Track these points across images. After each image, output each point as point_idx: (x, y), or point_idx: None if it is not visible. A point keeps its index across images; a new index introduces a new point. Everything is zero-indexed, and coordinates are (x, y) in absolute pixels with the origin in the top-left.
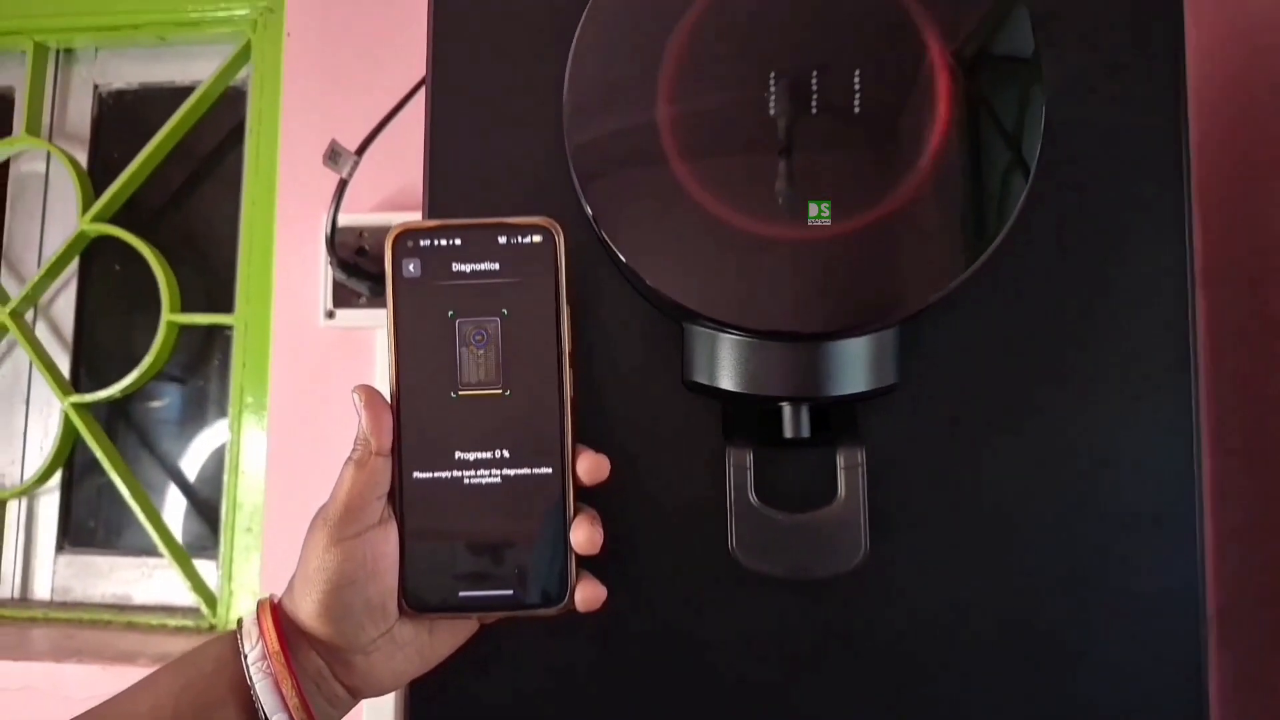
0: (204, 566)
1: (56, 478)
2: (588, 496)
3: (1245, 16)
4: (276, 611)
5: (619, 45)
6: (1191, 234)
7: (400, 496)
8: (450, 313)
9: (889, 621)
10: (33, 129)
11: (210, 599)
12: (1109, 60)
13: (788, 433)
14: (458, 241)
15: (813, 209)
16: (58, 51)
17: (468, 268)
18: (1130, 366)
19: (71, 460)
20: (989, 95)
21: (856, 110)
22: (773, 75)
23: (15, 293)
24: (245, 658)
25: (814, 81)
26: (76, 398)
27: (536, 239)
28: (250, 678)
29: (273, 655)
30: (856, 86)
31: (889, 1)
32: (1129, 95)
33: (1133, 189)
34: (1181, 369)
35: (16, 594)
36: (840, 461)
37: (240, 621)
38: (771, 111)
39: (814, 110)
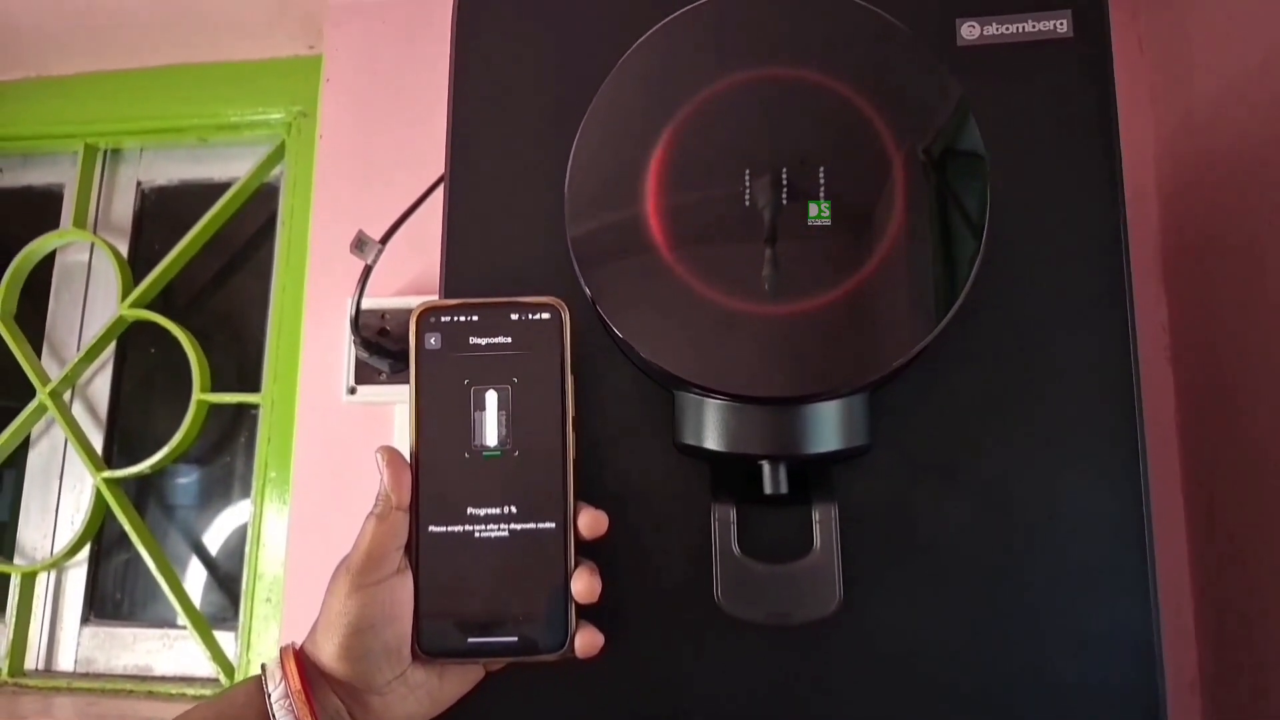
0: (224, 638)
1: (85, 551)
2: (587, 549)
3: (1202, 108)
4: (299, 655)
5: (612, 147)
6: (1132, 304)
7: (416, 548)
8: (466, 381)
9: (863, 665)
10: (79, 222)
11: (229, 668)
12: (1049, 154)
13: (767, 489)
14: (475, 318)
15: (813, 209)
16: (106, 152)
17: (483, 341)
18: (1076, 426)
19: (100, 535)
20: (940, 186)
21: (821, 199)
22: (748, 172)
23: (55, 374)
24: (269, 696)
25: (784, 177)
26: (109, 473)
27: (545, 316)
28: (273, 714)
29: (295, 694)
30: (822, 180)
31: (850, 107)
32: (1069, 182)
33: (1075, 265)
34: (1127, 429)
35: (41, 665)
36: (815, 516)
37: (264, 666)
38: (748, 203)
39: (784, 201)
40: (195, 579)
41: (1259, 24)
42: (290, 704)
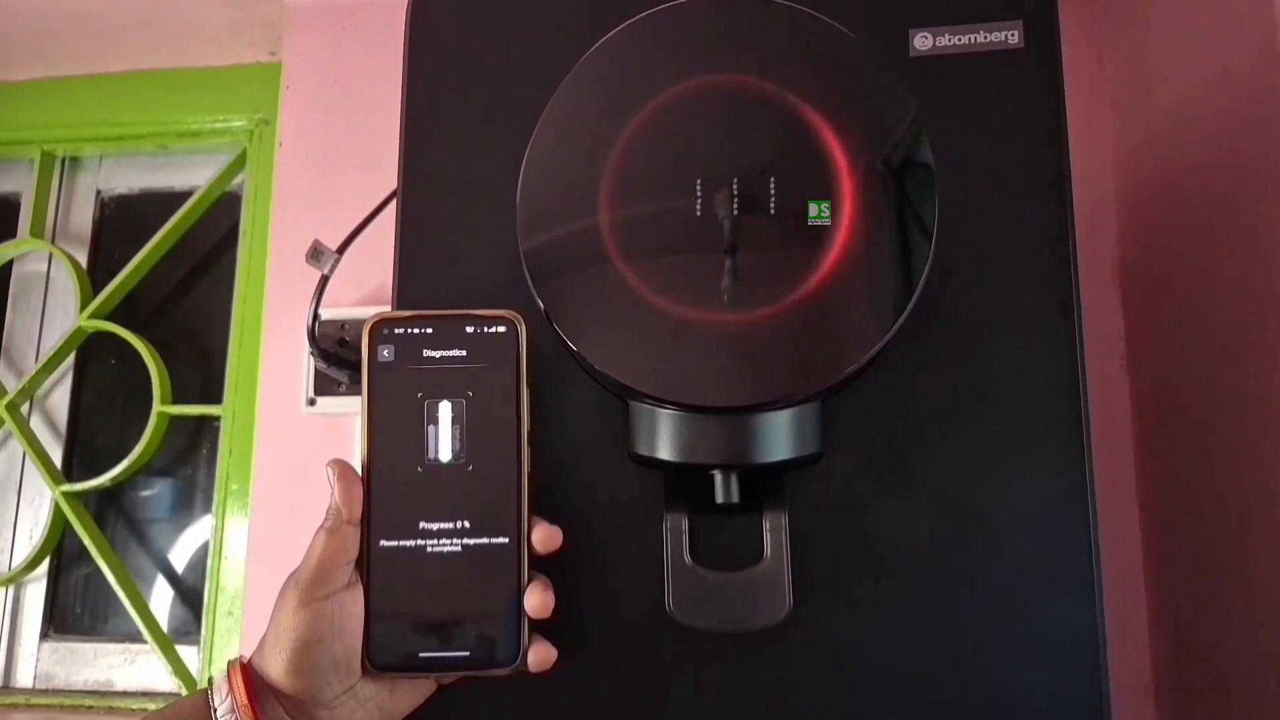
0: (188, 652)
1: (45, 565)
2: (542, 564)
3: (1160, 122)
4: (246, 669)
5: (563, 159)
6: (1080, 312)
7: (367, 562)
8: (420, 394)
9: (816, 672)
10: (37, 231)
11: (191, 683)
12: (1000, 163)
13: (719, 498)
14: (429, 330)
15: (813, 209)
16: (64, 159)
17: (437, 354)
18: (1025, 433)
19: (60, 549)
20: (890, 195)
21: (772, 211)
22: (699, 182)
23: (13, 386)
24: (215, 710)
25: (735, 186)
26: (67, 486)
27: (500, 329)
28: None
29: (241, 708)
30: (772, 191)
31: (802, 117)
32: (1020, 191)
33: (1025, 272)
34: (1075, 435)
35: (0, 681)
36: (766, 524)
37: (211, 679)
38: (699, 213)
39: (736, 211)
40: (160, 593)
41: (1214, 40)
42: (237, 718)
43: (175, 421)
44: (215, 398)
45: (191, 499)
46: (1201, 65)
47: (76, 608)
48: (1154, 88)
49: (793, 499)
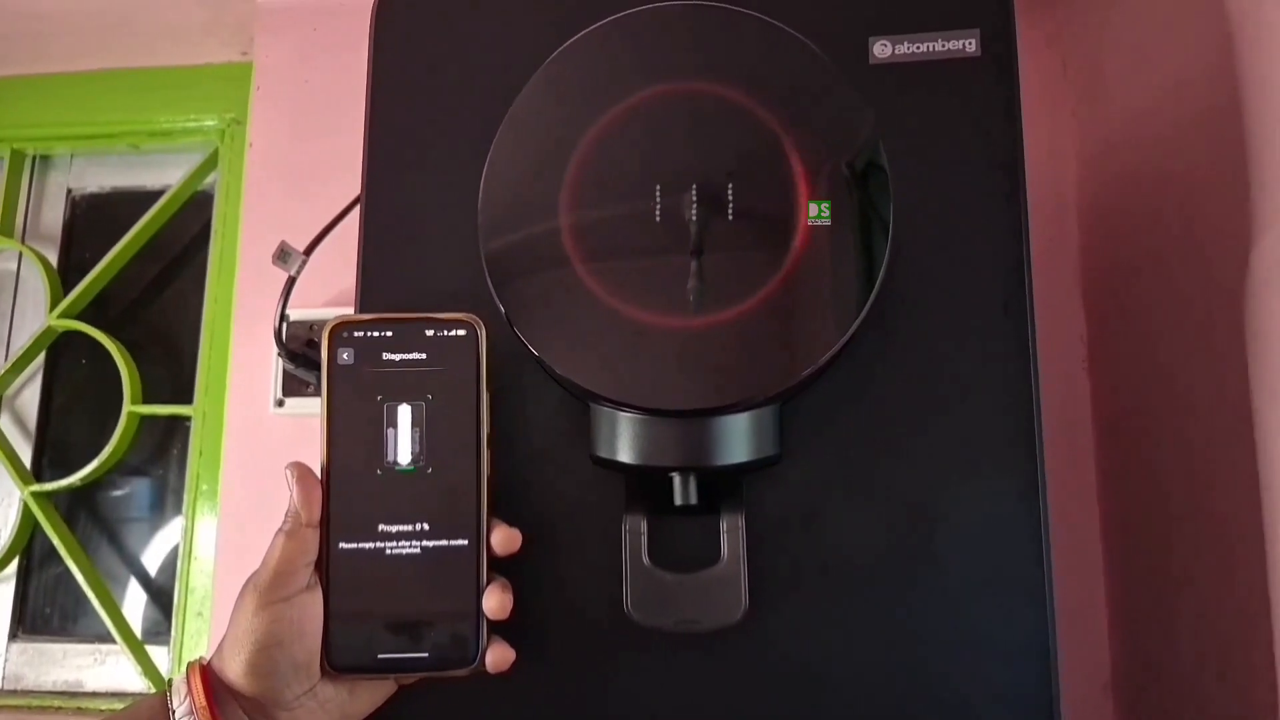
0: (160, 653)
1: (14, 566)
2: (500, 565)
3: (1118, 130)
4: (205, 671)
5: (524, 163)
6: (1033, 317)
7: (326, 564)
8: (379, 397)
9: (772, 675)
10: (6, 230)
11: (162, 684)
12: (956, 169)
13: (678, 500)
14: (389, 333)
15: (813, 209)
16: (34, 158)
17: (397, 357)
18: (978, 436)
19: (30, 549)
20: (847, 200)
21: (730, 216)
22: (658, 187)
23: None
24: (174, 712)
25: (694, 192)
26: (37, 487)
27: (460, 332)
28: None
29: (200, 710)
30: (731, 195)
31: (760, 124)
32: (975, 197)
33: (980, 278)
34: (1026, 438)
35: None
36: (723, 525)
37: (170, 681)
38: (658, 218)
39: (694, 216)
40: (132, 594)
41: (1169, 50)
42: None
43: (146, 422)
44: (187, 398)
45: (163, 500)
46: (1155, 77)
47: (46, 608)
48: (1110, 98)
49: (748, 502)
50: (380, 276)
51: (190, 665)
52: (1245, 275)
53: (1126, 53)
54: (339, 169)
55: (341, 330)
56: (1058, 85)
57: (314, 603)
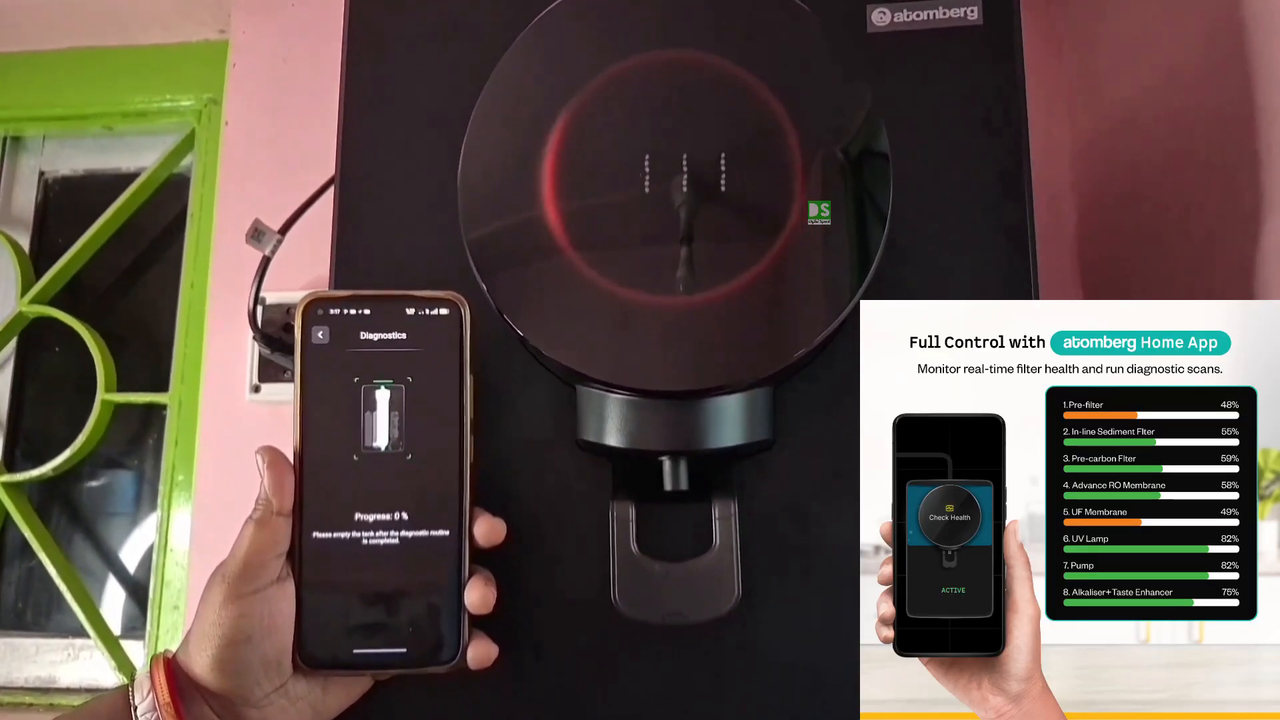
0: (136, 648)
1: None
2: (483, 557)
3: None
4: (170, 665)
5: (503, 141)
6: (1036, 295)
7: (299, 555)
8: (356, 379)
9: (757, 665)
10: None
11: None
12: (956, 140)
13: (668, 486)
14: (366, 311)
15: (813, 209)
16: (5, 139)
17: (375, 336)
18: None
19: (2, 542)
20: (842, 177)
21: (723, 190)
22: (646, 161)
23: None
24: (135, 709)
25: (684, 166)
26: (8, 477)
27: (443, 311)
28: None
29: (163, 707)
30: (722, 170)
31: (753, 95)
32: (976, 169)
33: (980, 254)
34: None
35: None
36: (715, 512)
37: (133, 676)
38: (646, 193)
39: (684, 191)
40: (109, 588)
41: (1166, 38)
42: (158, 717)
43: (122, 411)
44: (164, 386)
45: (140, 490)
46: (1150, 65)
47: (18, 603)
48: (1103, 85)
49: (739, 492)
50: (355, 257)
51: (154, 659)
52: (1243, 263)
53: (1123, 41)
54: (317, 149)
55: (316, 307)
56: (1054, 68)
57: (285, 596)
